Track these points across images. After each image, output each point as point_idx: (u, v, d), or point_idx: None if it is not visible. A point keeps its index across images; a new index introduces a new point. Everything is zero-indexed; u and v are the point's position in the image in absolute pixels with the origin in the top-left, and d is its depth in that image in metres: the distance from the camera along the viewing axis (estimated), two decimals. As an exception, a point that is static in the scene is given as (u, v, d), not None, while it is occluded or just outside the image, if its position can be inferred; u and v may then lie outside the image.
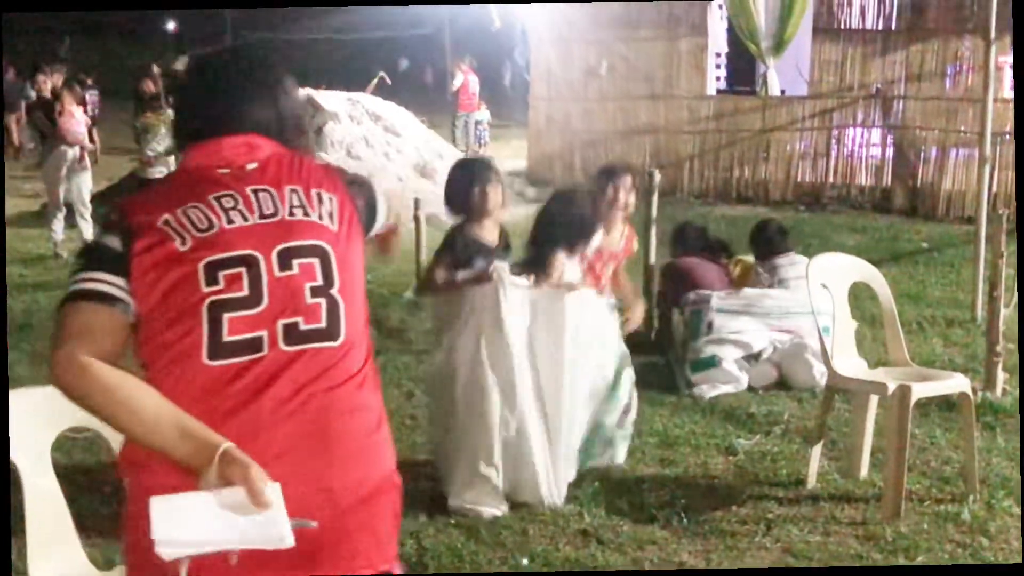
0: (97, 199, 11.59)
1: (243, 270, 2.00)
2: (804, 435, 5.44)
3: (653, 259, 7.42)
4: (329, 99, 14.71)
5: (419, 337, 7.58)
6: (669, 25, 14.81)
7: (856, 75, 13.68)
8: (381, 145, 14.31)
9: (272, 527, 1.78)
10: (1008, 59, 13.90)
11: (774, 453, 5.31)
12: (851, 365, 4.90)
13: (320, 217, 2.10)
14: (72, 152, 10.37)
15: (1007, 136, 12.47)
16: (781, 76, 14.56)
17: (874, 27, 13.52)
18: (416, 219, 9.02)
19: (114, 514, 4.54)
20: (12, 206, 13.64)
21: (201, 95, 2.22)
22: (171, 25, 42.22)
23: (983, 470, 4.89)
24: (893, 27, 13.40)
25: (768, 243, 7.03)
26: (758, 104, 14.36)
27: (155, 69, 19.01)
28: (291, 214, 2.08)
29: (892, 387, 4.51)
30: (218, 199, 2.05)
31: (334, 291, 2.06)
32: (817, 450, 4.92)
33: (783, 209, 12.84)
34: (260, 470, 1.81)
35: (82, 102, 12.56)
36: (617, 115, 15.21)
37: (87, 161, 10.71)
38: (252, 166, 2.12)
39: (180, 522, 1.78)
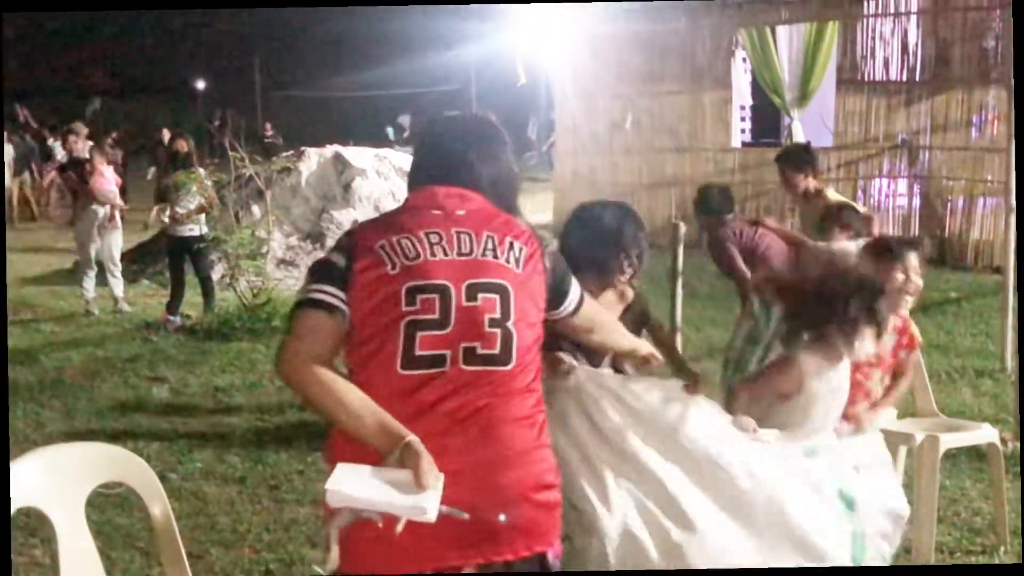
0: (127, 257, 11.76)
1: (437, 297, 2.35)
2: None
3: (679, 317, 7.05)
4: (357, 155, 14.88)
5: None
6: (693, 78, 14.94)
7: (881, 126, 13.71)
8: (408, 200, 14.45)
9: (423, 504, 2.15)
10: (1033, 108, 13.93)
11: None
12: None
13: (507, 261, 2.44)
14: (103, 211, 10.53)
15: (1034, 185, 12.45)
16: (806, 128, 14.62)
17: (898, 78, 13.57)
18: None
19: (146, 567, 4.60)
20: (45, 264, 13.85)
21: (434, 150, 2.62)
22: (200, 84, 42.85)
23: (1013, 521, 4.84)
24: (917, 78, 13.45)
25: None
26: (783, 156, 14.38)
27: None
28: (483, 255, 2.42)
29: (920, 438, 4.49)
30: (427, 234, 2.42)
31: (509, 324, 2.39)
32: (846, 502, 4.88)
33: (810, 260, 12.80)
34: (431, 461, 2.18)
35: (112, 161, 12.76)
36: (643, 168, 15.31)
37: (117, 220, 10.85)
38: (460, 212, 2.48)
39: (350, 482, 2.17)
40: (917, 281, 4.28)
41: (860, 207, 7.25)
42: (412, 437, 2.22)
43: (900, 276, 4.16)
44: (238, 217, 11.77)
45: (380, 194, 14.16)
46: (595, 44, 15.44)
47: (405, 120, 33.80)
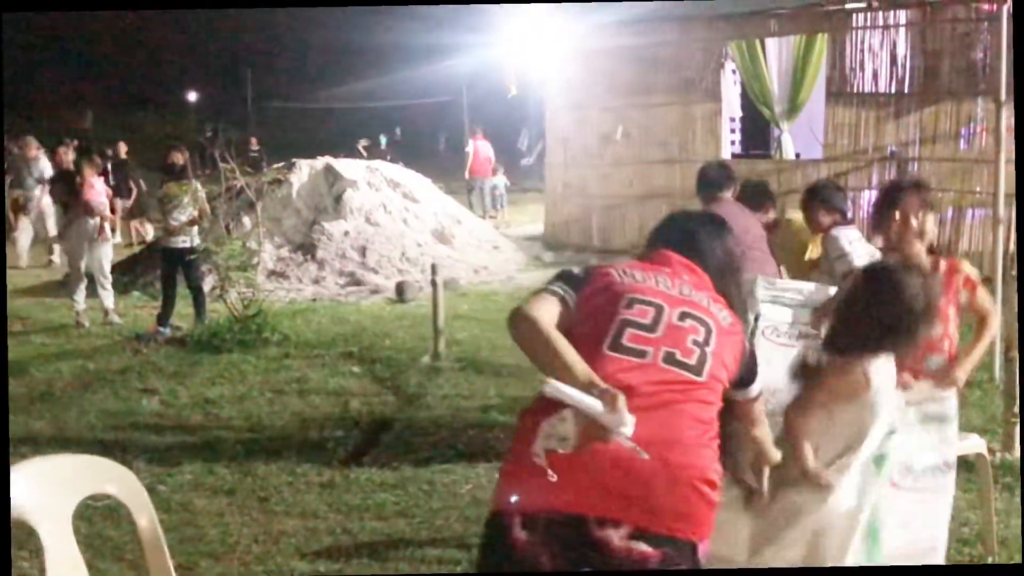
0: (118, 269, 11.75)
1: (652, 309, 2.76)
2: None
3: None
4: (348, 167, 14.91)
5: (437, 402, 7.60)
6: (683, 91, 14.99)
7: (870, 138, 13.76)
8: (399, 211, 14.47)
9: (620, 423, 2.41)
10: (1021, 120, 13.97)
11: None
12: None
13: (717, 312, 2.85)
14: (93, 223, 10.51)
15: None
16: (796, 139, 14.68)
17: (887, 90, 13.62)
18: (434, 284, 9.09)
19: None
20: (35, 276, 13.83)
21: (679, 228, 3.10)
22: (192, 96, 42.83)
23: (1002, 531, 4.87)
24: (906, 90, 13.51)
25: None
26: (773, 167, 14.44)
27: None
28: (698, 301, 2.84)
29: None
30: (655, 275, 2.87)
31: (708, 349, 2.75)
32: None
33: (800, 271, 12.84)
34: (625, 400, 2.43)
35: (102, 173, 12.75)
36: (633, 180, 15.35)
37: (108, 232, 10.85)
38: (686, 277, 2.91)
39: (565, 386, 2.46)
40: (922, 222, 4.32)
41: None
42: (609, 386, 2.48)
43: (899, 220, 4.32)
44: (229, 229, 11.78)
45: (372, 206, 14.19)
46: (586, 57, 15.50)
47: (397, 133, 33.92)
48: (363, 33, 34.70)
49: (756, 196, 6.80)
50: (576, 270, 2.91)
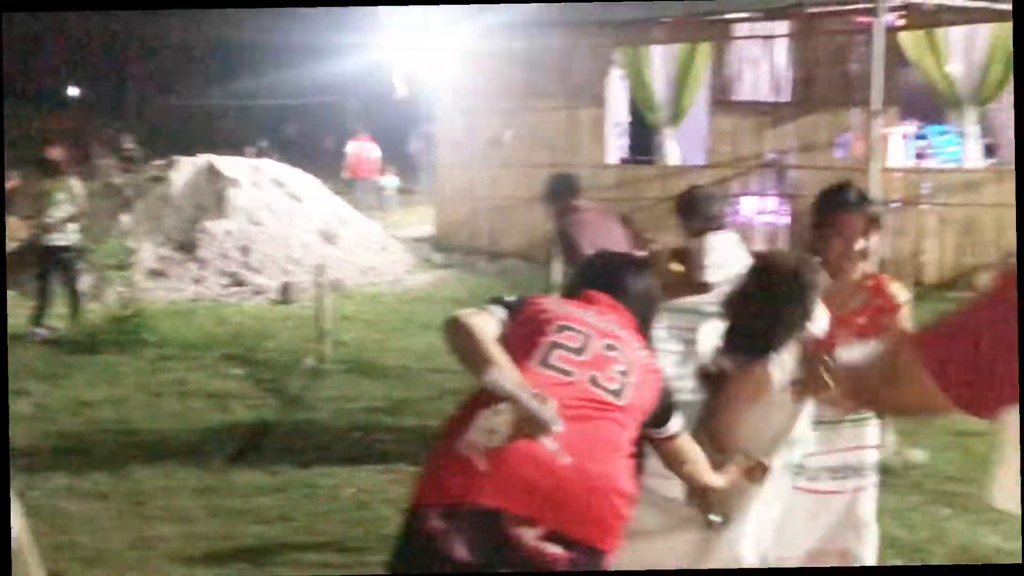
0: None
1: (581, 336, 2.87)
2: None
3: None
4: (231, 165, 14.66)
5: (321, 405, 7.53)
6: (571, 96, 15.13)
7: (751, 145, 14.10)
8: (284, 211, 14.28)
9: (551, 417, 2.57)
10: (891, 130, 14.49)
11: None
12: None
13: (638, 351, 2.95)
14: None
15: (896, 204, 12.93)
16: (680, 146, 14.93)
17: (767, 99, 13.98)
18: (319, 285, 9.01)
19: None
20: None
21: (603, 271, 3.20)
22: (72, 91, 41.65)
23: (926, 538, 4.99)
24: (785, 99, 13.87)
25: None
26: (658, 173, 14.68)
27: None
28: (622, 337, 2.94)
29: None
30: (585, 309, 2.99)
31: (630, 380, 2.85)
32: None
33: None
34: (556, 404, 2.61)
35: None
36: (522, 182, 15.40)
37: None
38: (612, 315, 3.00)
39: (507, 379, 2.63)
40: (866, 244, 3.69)
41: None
42: (541, 392, 2.63)
43: (839, 244, 3.66)
44: (107, 227, 11.49)
45: (255, 206, 13.98)
46: (475, 59, 15.52)
47: (292, 131, 33.47)
48: (250, 31, 34.16)
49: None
50: (510, 297, 3.03)
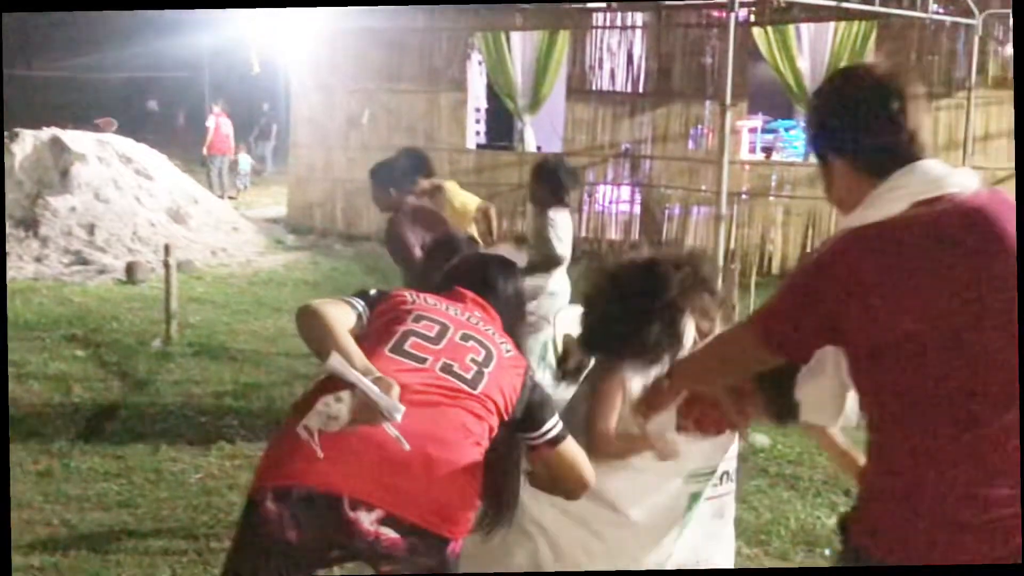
0: None
1: (437, 326, 2.87)
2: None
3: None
4: (77, 139, 14.11)
5: (167, 388, 7.33)
6: (430, 79, 15.07)
7: (607, 135, 14.29)
8: (132, 188, 13.83)
9: (392, 405, 2.55)
10: (744, 123, 14.87)
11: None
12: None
13: (500, 343, 2.95)
14: None
15: (744, 196, 13.32)
16: (538, 133, 15.03)
17: (623, 89, 14.19)
18: (166, 265, 8.76)
19: None
20: None
21: (472, 270, 3.21)
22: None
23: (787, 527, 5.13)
24: (641, 90, 14.10)
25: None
26: (515, 159, 14.75)
27: None
28: (484, 330, 2.95)
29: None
30: (447, 304, 3.00)
31: (487, 370, 2.83)
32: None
33: (538, 261, 13.18)
34: (399, 391, 2.59)
35: None
36: (379, 165, 15.28)
37: None
38: (478, 313, 3.02)
39: (346, 365, 2.60)
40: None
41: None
42: (386, 377, 2.61)
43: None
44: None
45: (101, 181, 13.51)
46: (334, 38, 15.31)
47: (153, 105, 32.48)
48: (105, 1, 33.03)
49: (412, 165, 6.61)
50: (373, 291, 3.01)
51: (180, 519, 5.08)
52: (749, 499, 5.29)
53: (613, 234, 14.26)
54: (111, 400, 7.00)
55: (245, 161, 20.78)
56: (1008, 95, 12.61)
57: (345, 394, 2.56)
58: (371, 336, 2.85)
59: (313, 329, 2.77)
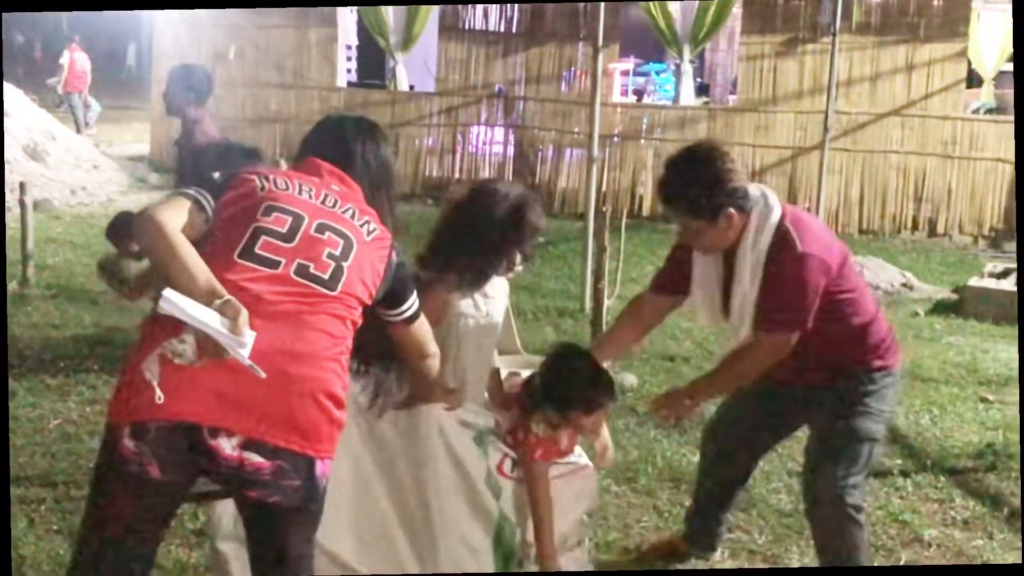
0: None
1: (290, 219, 2.70)
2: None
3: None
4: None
5: (23, 332, 7.06)
6: (299, 14, 14.71)
7: (480, 75, 14.20)
8: (-16, 124, 13.21)
9: (244, 340, 2.42)
10: (616, 66, 14.94)
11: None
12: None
13: (360, 226, 2.81)
14: None
15: (615, 138, 13.41)
16: (410, 72, 14.85)
17: (497, 29, 14.09)
18: (22, 204, 8.40)
19: None
20: None
21: (328, 137, 3.02)
22: None
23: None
24: (514, 30, 14.03)
25: None
26: (387, 98, 14.56)
27: None
28: (342, 213, 2.80)
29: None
30: (300, 183, 2.81)
31: (345, 264, 2.70)
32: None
33: (412, 203, 13.09)
34: (247, 316, 2.43)
35: None
36: (246, 102, 14.92)
37: None
38: (335, 187, 2.87)
39: (183, 301, 2.39)
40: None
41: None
42: (230, 297, 2.45)
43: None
44: None
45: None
46: (197, -31, 14.78)
47: (19, 38, 31.00)
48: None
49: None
50: (216, 175, 2.82)
51: (39, 467, 4.91)
52: (617, 437, 5.35)
53: (486, 175, 14.22)
54: (-37, 345, 6.71)
55: (91, 100, 19.93)
56: (871, 40, 12.94)
57: (188, 336, 2.43)
58: (218, 234, 2.67)
59: (149, 243, 2.58)
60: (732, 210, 3.47)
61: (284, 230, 2.67)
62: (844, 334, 3.60)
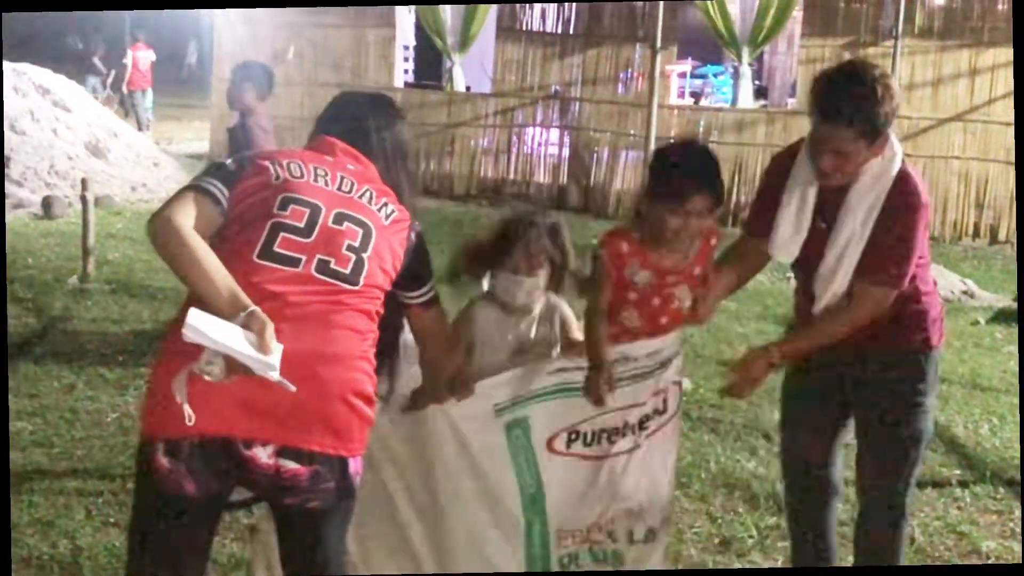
0: None
1: (307, 211, 2.62)
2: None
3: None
4: (-10, 69, 13.63)
5: (84, 326, 7.17)
6: (357, 13, 14.79)
7: (537, 76, 14.20)
8: (49, 120, 13.42)
9: (272, 361, 2.35)
10: (674, 68, 14.86)
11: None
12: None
13: (379, 211, 2.74)
14: None
15: (670, 139, 13.34)
16: (467, 73, 14.88)
17: (554, 30, 14.08)
18: (84, 200, 8.54)
19: None
20: None
21: (342, 114, 2.98)
22: None
23: None
24: (571, 31, 14.01)
25: None
26: (444, 99, 14.61)
27: None
28: (359, 198, 2.73)
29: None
30: (315, 167, 2.73)
31: (365, 255, 2.65)
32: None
33: (467, 203, 13.13)
34: (273, 330, 2.37)
35: None
36: (304, 102, 15.01)
37: None
38: (350, 167, 2.80)
39: (207, 324, 2.32)
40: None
41: None
42: (255, 307, 2.39)
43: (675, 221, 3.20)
44: None
45: (17, 113, 13.06)
46: (258, -30, 14.94)
47: (75, 41, 31.45)
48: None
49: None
50: (230, 162, 2.72)
51: (96, 459, 4.99)
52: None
53: (541, 177, 14.22)
54: (25, 337, 6.83)
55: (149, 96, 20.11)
56: (934, 44, 12.77)
57: (216, 357, 2.36)
58: (235, 228, 2.59)
59: (167, 248, 2.46)
60: (889, 132, 3.16)
61: (302, 224, 2.61)
62: (907, 308, 3.30)
